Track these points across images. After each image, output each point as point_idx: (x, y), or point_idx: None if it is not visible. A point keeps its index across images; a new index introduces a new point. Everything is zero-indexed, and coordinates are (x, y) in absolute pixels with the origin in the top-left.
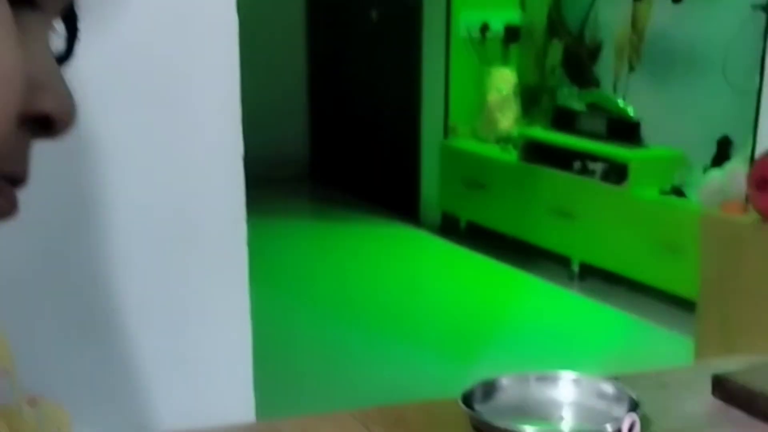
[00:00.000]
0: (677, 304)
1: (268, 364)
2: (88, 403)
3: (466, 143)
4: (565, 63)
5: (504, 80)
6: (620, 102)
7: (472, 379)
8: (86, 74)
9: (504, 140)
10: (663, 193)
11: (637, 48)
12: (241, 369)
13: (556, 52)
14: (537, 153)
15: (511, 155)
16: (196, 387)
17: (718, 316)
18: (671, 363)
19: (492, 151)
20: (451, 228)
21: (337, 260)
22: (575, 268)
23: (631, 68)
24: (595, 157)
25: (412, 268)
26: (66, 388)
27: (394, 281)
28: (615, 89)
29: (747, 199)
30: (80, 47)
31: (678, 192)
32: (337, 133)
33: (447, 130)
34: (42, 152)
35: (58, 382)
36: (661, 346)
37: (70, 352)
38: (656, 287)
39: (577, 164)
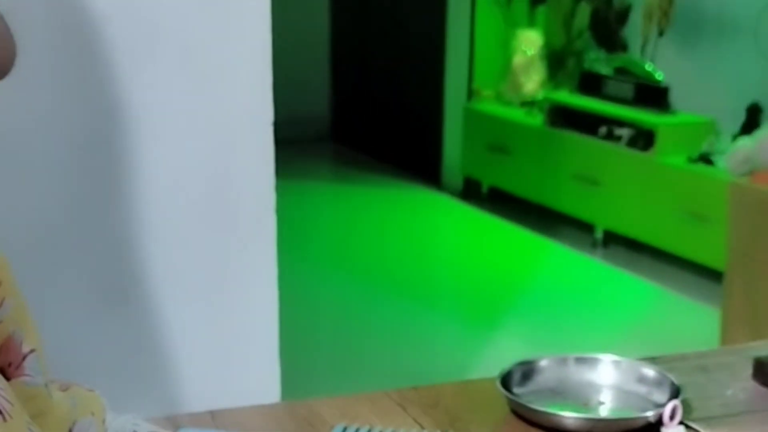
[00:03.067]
0: (703, 274)
1: (288, 326)
2: (114, 381)
3: (490, 106)
4: (593, 25)
5: (530, 42)
6: (648, 66)
7: (493, 346)
8: (119, 37)
9: (529, 104)
10: (691, 160)
11: (666, 11)
12: (267, 343)
13: (583, 14)
14: (562, 117)
15: (536, 119)
16: (223, 362)
17: (746, 287)
18: (696, 334)
19: (516, 114)
20: (473, 193)
21: (358, 224)
22: (599, 235)
23: (660, 32)
24: (621, 123)
25: (433, 233)
26: (91, 363)
27: (415, 246)
28: (643, 53)
29: None
30: (115, 10)
31: (706, 160)
32: (360, 94)
33: (471, 93)
34: (72, 116)
35: (84, 356)
36: (686, 316)
37: (97, 325)
38: (682, 256)
39: (603, 129)
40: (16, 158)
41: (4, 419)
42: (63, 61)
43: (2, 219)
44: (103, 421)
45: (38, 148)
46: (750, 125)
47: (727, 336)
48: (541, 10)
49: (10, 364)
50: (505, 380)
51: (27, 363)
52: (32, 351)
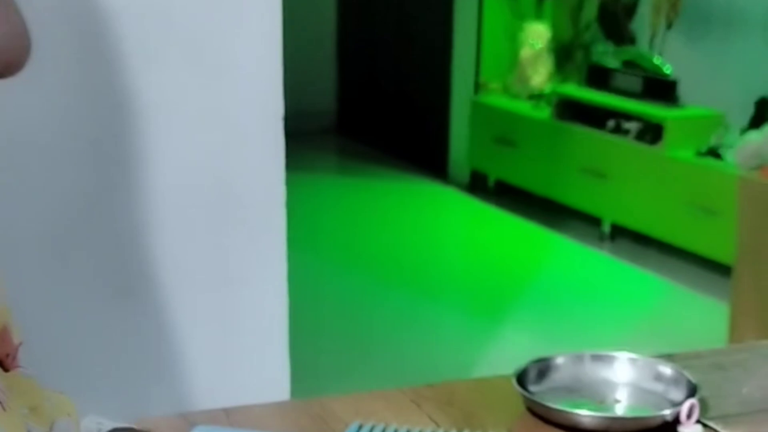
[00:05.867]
0: (711, 269)
1: (294, 319)
2: (122, 377)
3: (497, 100)
4: (601, 18)
5: (537, 35)
6: (657, 60)
7: (500, 339)
8: (129, 32)
9: (536, 97)
10: (699, 154)
11: (674, 4)
12: (277, 337)
13: (591, 7)
14: (570, 111)
15: (544, 112)
16: (232, 357)
17: (755, 281)
18: (704, 329)
19: (524, 108)
20: (479, 186)
21: (365, 218)
22: (606, 228)
23: (669, 25)
24: (629, 116)
25: (440, 227)
26: (101, 358)
27: (422, 239)
28: (651, 46)
29: None
30: (124, 4)
31: (715, 153)
32: (367, 87)
33: (478, 86)
34: (82, 110)
35: (94, 351)
36: (694, 311)
37: (106, 321)
38: (690, 250)
39: (611, 123)
40: (25, 153)
41: (4, 409)
42: (73, 56)
43: (12, 212)
44: (77, 423)
45: (47, 143)
46: (759, 119)
47: (735, 330)
48: (549, 2)
49: (7, 355)
50: (521, 378)
51: (20, 355)
52: (20, 344)
